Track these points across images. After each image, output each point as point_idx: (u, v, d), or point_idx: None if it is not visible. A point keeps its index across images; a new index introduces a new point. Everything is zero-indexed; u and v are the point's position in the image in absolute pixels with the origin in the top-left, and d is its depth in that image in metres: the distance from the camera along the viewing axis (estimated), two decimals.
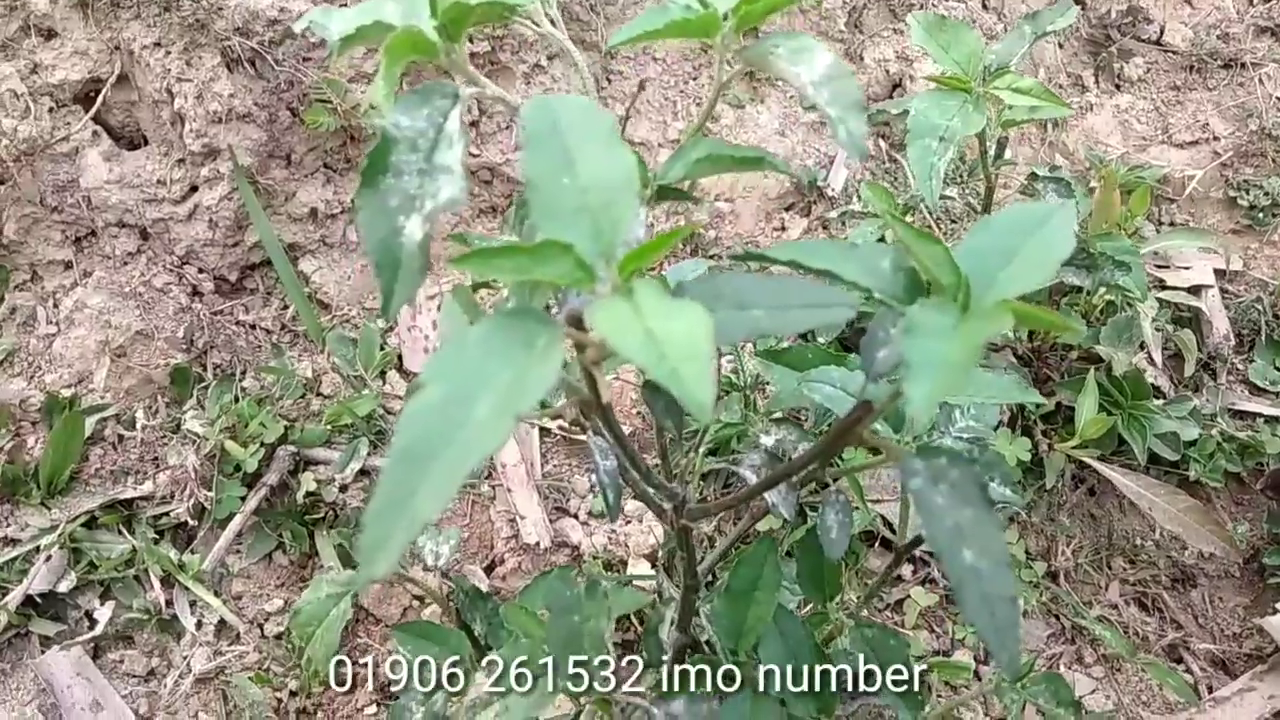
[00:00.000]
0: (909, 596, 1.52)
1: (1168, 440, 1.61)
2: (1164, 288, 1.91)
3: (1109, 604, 1.57)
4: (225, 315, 1.68)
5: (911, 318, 0.60)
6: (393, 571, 0.70)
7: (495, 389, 0.52)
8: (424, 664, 1.10)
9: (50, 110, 1.62)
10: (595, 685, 0.80)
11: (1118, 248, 1.46)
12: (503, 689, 0.88)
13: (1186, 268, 1.96)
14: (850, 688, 1.05)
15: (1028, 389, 1.01)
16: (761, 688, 0.94)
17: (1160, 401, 1.68)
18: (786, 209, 1.88)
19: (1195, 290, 1.91)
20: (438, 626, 1.05)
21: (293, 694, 1.38)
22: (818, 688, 0.94)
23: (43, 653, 1.41)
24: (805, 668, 0.95)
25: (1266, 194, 1.99)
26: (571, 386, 0.70)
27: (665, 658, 0.95)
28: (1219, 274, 1.96)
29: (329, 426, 1.57)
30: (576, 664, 0.80)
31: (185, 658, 1.42)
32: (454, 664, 1.03)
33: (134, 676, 1.41)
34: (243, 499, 1.47)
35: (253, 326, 1.68)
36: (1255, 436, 1.68)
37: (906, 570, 1.57)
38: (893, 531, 1.58)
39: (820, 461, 0.99)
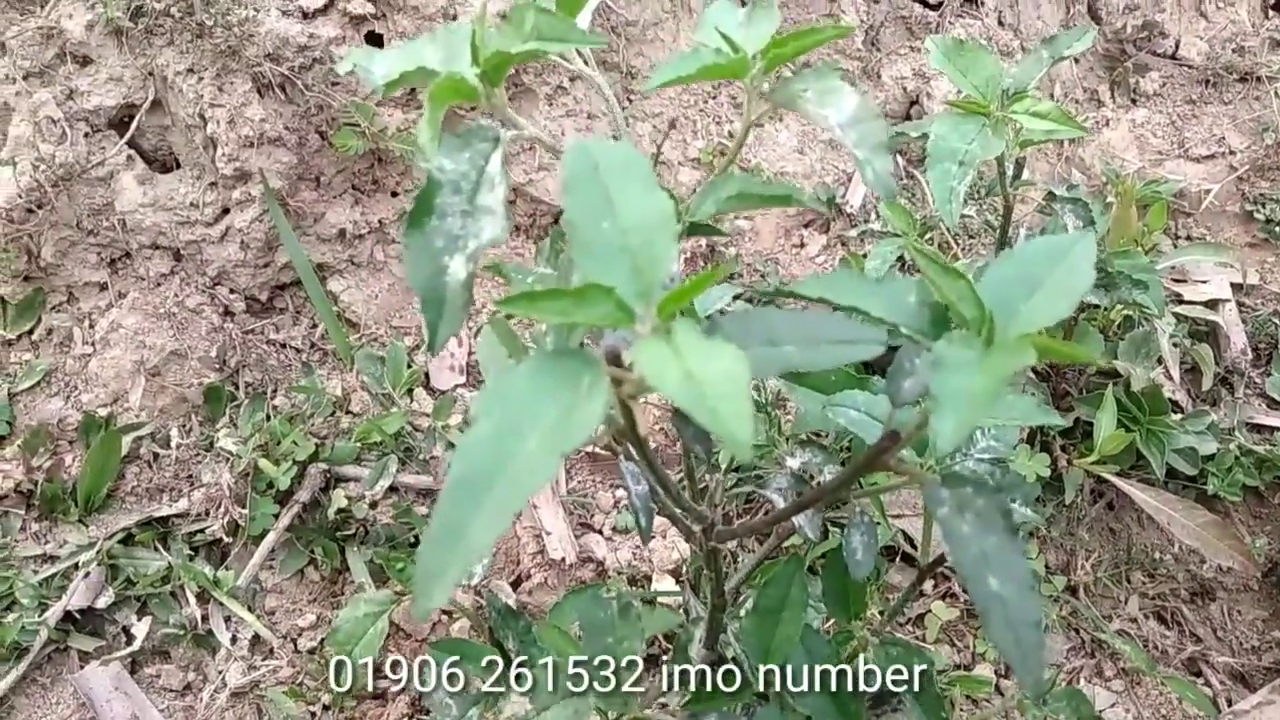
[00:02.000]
0: (930, 611, 1.54)
1: (1186, 455, 1.62)
2: (1181, 302, 1.93)
3: (1128, 618, 1.58)
4: (256, 335, 1.71)
5: (938, 353, 0.63)
6: (446, 601, 0.73)
7: (543, 426, 0.55)
8: (453, 677, 1.13)
9: (86, 135, 1.66)
10: (629, 706, 0.82)
11: (1135, 265, 1.48)
12: (538, 705, 0.91)
13: (1203, 282, 1.97)
14: (874, 704, 1.07)
15: (1048, 411, 1.03)
16: (789, 706, 0.96)
17: (1178, 416, 1.69)
18: (805, 226, 1.91)
19: (1212, 304, 1.92)
20: (471, 644, 1.07)
21: (326, 708, 1.41)
22: (843, 705, 0.96)
23: (81, 668, 1.44)
24: (831, 685, 0.97)
25: None
26: (610, 417, 0.73)
27: (694, 674, 0.97)
28: (1235, 288, 1.97)
29: (359, 444, 1.60)
30: (609, 684, 0.82)
31: (220, 672, 1.45)
32: (487, 679, 1.05)
33: (171, 691, 1.44)
34: (276, 516, 1.51)
35: (283, 345, 1.71)
36: (1273, 450, 1.70)
37: (928, 585, 1.59)
38: (914, 546, 1.60)
39: (844, 483, 1.01)
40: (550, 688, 0.91)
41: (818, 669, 0.97)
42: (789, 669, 0.97)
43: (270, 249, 1.70)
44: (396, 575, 1.00)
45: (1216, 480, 1.66)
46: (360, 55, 0.80)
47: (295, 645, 1.47)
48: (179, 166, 1.72)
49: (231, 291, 1.71)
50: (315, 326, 1.75)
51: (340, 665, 1.08)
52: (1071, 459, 1.60)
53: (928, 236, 1.81)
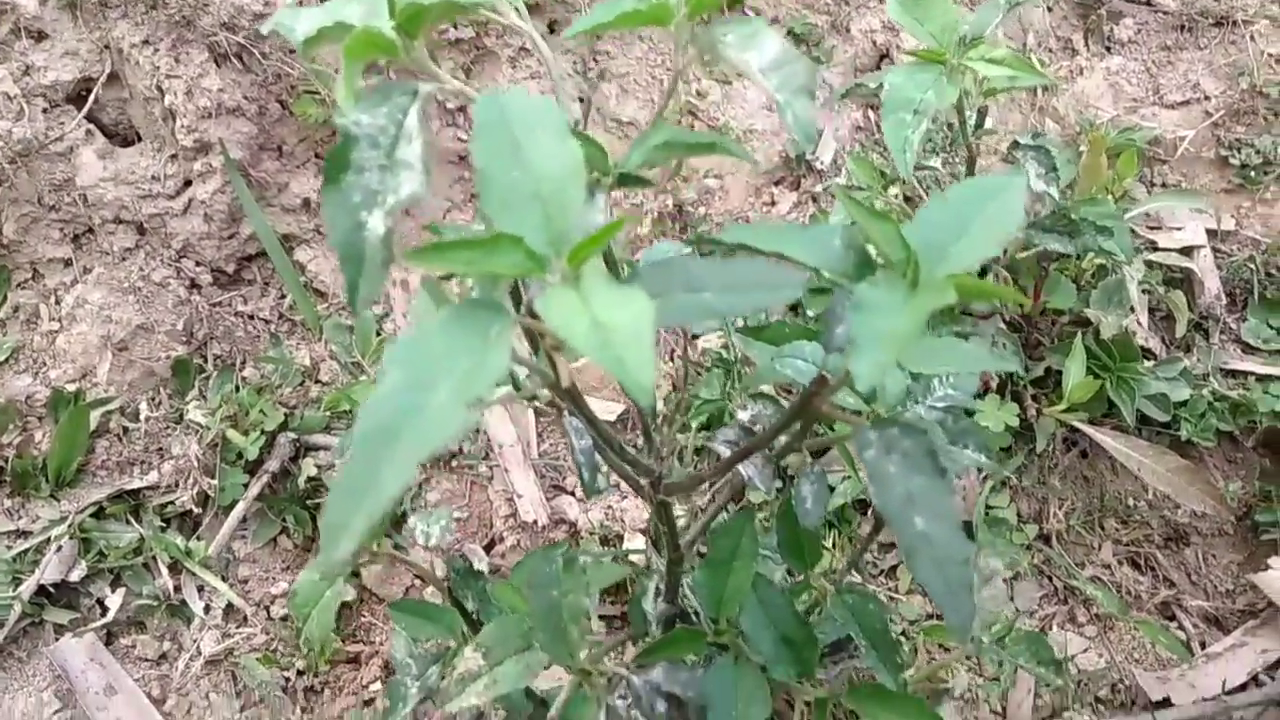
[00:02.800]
0: (902, 563, 1.54)
1: (1157, 401, 1.62)
2: (1156, 249, 1.92)
3: (1102, 564, 1.59)
4: (224, 307, 1.71)
5: (858, 295, 0.62)
6: (351, 553, 0.73)
7: (453, 376, 0.55)
8: (417, 641, 1.13)
9: (44, 111, 1.64)
10: (574, 656, 0.83)
11: (1101, 212, 1.47)
12: (491, 662, 0.91)
13: (1178, 229, 1.96)
14: (832, 652, 1.08)
15: (1003, 357, 1.03)
16: (744, 654, 0.97)
17: (1151, 363, 1.69)
18: (776, 184, 1.90)
19: (1187, 251, 1.91)
20: (431, 604, 1.08)
21: (300, 673, 1.42)
22: (798, 652, 0.96)
23: (57, 640, 1.45)
24: (785, 633, 0.97)
25: (1258, 152, 1.99)
26: (540, 371, 0.72)
27: (650, 628, 0.97)
28: (1211, 234, 1.96)
29: (328, 413, 1.60)
30: (555, 636, 0.82)
31: (195, 641, 1.46)
32: (447, 640, 1.06)
33: (146, 661, 1.45)
34: (245, 486, 1.51)
35: (251, 317, 1.71)
36: (1247, 395, 1.69)
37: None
38: None
39: (797, 433, 1.01)
40: (502, 643, 0.91)
41: (772, 618, 0.97)
42: (743, 619, 0.97)
43: (234, 220, 1.69)
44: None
45: (1190, 426, 1.65)
46: (285, 14, 0.79)
47: (268, 613, 1.47)
48: (139, 140, 1.71)
49: (197, 264, 1.70)
50: (283, 297, 1.74)
51: (308, 642, 1.08)
52: (1041, 408, 1.59)
53: (892, 191, 1.80)
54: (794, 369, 0.98)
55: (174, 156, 1.66)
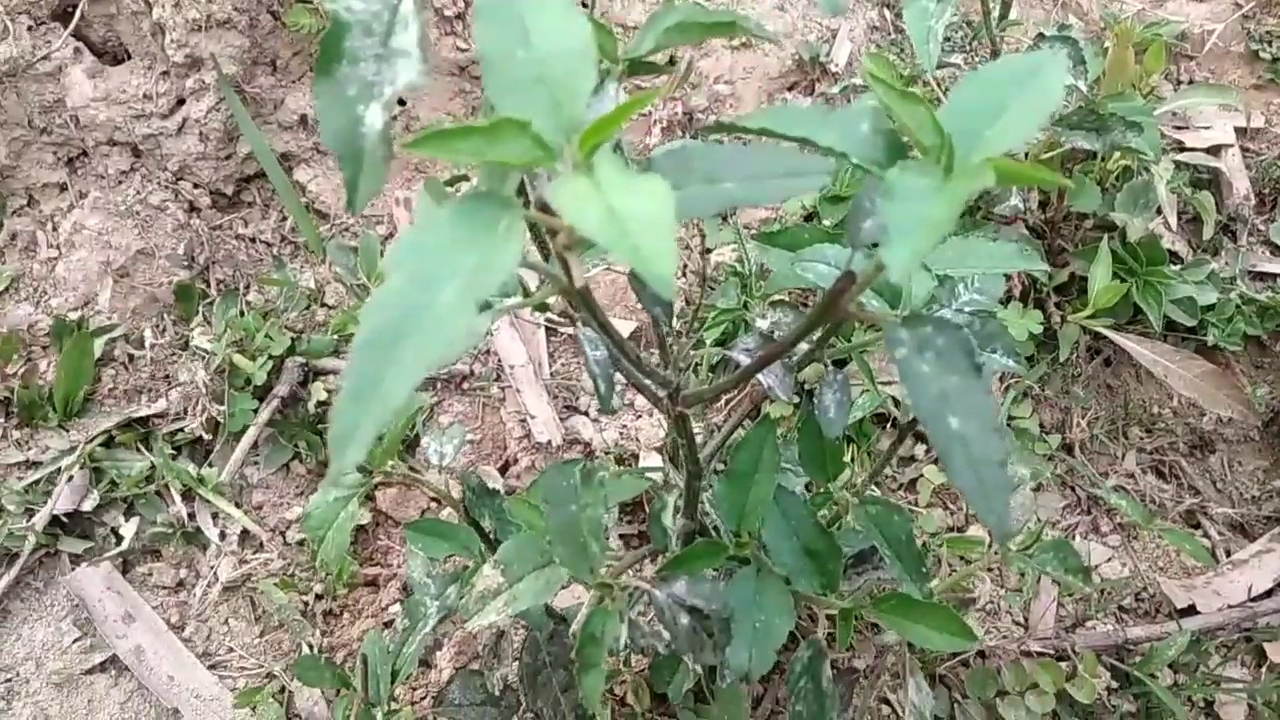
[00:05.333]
0: (923, 475, 1.52)
1: (1184, 306, 1.57)
2: (1183, 149, 1.85)
3: (1125, 473, 1.56)
4: (224, 230, 1.67)
5: (889, 181, 0.58)
6: (359, 461, 0.71)
7: (460, 274, 0.51)
8: (435, 561, 1.12)
9: (29, 29, 1.58)
10: (594, 571, 0.80)
11: (1129, 108, 1.41)
12: (510, 579, 0.89)
13: (1206, 127, 1.89)
14: (856, 563, 1.05)
15: (1030, 256, 0.98)
16: (766, 567, 0.95)
17: (1177, 267, 1.64)
18: (790, 88, 1.83)
19: (1215, 150, 1.85)
20: (448, 524, 1.06)
21: (318, 597, 1.41)
22: (821, 564, 0.94)
23: (73, 570, 1.44)
24: (808, 545, 0.95)
25: None
26: (551, 275, 0.69)
27: (671, 543, 0.95)
28: (1239, 132, 1.89)
29: (335, 336, 1.57)
30: (575, 551, 0.80)
31: (212, 568, 1.45)
32: (464, 558, 1.04)
33: (164, 588, 1.45)
34: (255, 411, 1.49)
35: (253, 240, 1.67)
36: (1275, 298, 1.65)
37: (919, 450, 1.57)
38: (904, 412, 1.57)
39: (818, 341, 0.97)
40: (521, 559, 0.89)
41: (794, 529, 0.95)
42: (765, 532, 0.95)
43: (231, 140, 1.64)
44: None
45: (1217, 330, 1.61)
46: None
47: (284, 538, 1.46)
48: (129, 57, 1.65)
49: (195, 186, 1.66)
50: (285, 219, 1.70)
51: (324, 564, 1.06)
52: (1065, 315, 1.55)
53: (912, 90, 1.73)
54: (815, 273, 0.94)
55: (165, 74, 1.61)
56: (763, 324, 0.97)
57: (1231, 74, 1.95)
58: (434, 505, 1.49)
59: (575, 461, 1.02)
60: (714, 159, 0.63)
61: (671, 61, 1.73)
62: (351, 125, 0.64)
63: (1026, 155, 1.59)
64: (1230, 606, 1.41)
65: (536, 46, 0.58)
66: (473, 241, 0.53)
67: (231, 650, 1.40)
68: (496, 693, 1.09)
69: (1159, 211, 1.73)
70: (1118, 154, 1.66)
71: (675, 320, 1.45)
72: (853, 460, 1.53)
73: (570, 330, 1.62)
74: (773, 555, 0.94)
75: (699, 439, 1.22)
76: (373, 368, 0.49)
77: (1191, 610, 1.41)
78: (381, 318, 0.49)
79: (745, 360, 0.91)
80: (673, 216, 0.50)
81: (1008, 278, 1.53)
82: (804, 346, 0.97)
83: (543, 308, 0.76)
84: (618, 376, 0.90)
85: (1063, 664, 1.35)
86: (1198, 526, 1.53)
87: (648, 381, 0.89)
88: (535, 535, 0.90)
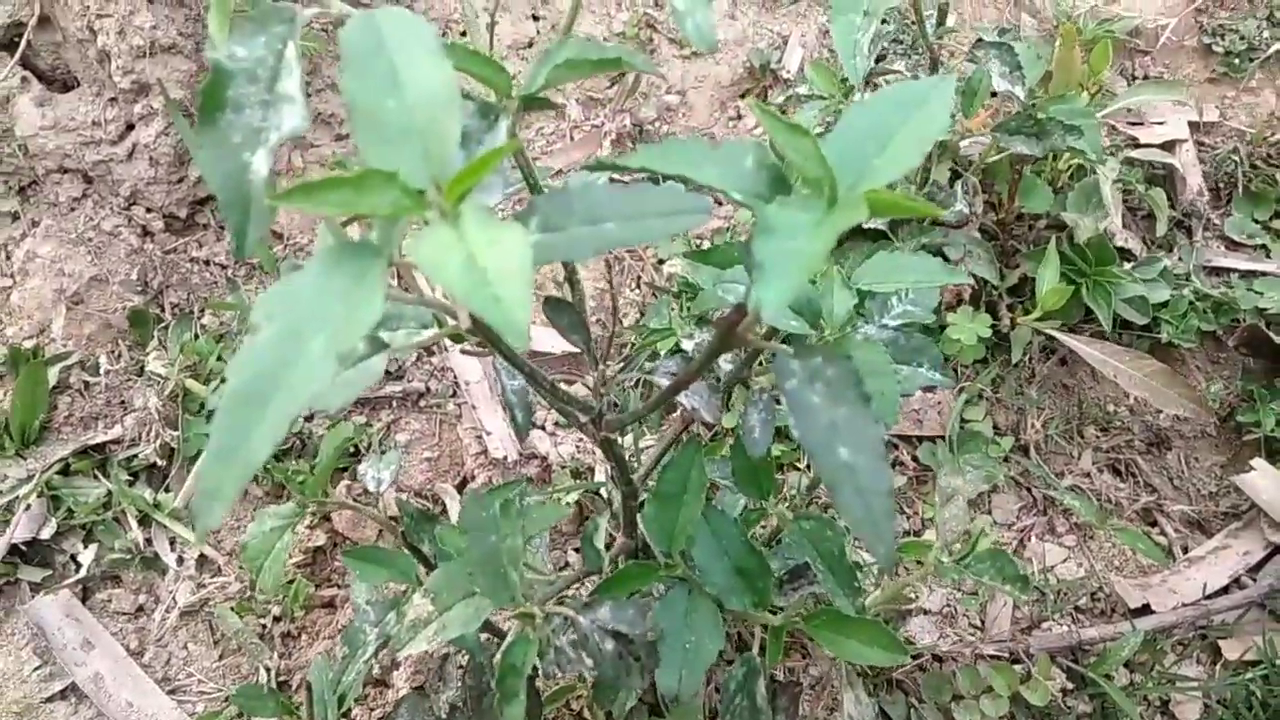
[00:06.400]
0: None
1: (1136, 304, 1.58)
2: (1137, 146, 1.86)
3: (1082, 473, 1.56)
4: (178, 253, 1.67)
5: (764, 217, 0.59)
6: (223, 519, 0.71)
7: (329, 324, 0.52)
8: (375, 588, 1.12)
9: None
10: (515, 599, 0.81)
11: (1070, 110, 1.41)
12: (440, 607, 0.90)
13: (1160, 123, 1.90)
14: (791, 578, 1.06)
15: (953, 270, 0.99)
16: (698, 587, 0.95)
17: (1129, 265, 1.64)
18: (741, 96, 1.83)
19: (1169, 146, 1.85)
20: (386, 550, 1.06)
21: (276, 619, 1.42)
22: (751, 582, 0.95)
23: (33, 598, 1.45)
24: (738, 564, 0.95)
25: (1243, 38, 1.91)
26: (446, 311, 0.69)
27: (604, 564, 0.95)
28: (1194, 127, 1.89)
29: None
30: (496, 580, 0.81)
31: (171, 592, 1.45)
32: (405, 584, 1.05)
33: (123, 614, 1.45)
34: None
35: (207, 263, 1.67)
36: (1229, 293, 1.65)
37: None
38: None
39: (744, 362, 0.97)
40: (449, 588, 0.89)
41: (724, 548, 0.96)
42: (696, 551, 0.96)
43: (182, 163, 1.64)
44: (296, 486, 0.98)
45: (1170, 328, 1.61)
46: None
47: (241, 562, 1.47)
48: (78, 85, 1.65)
49: (148, 211, 1.66)
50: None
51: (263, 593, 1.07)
52: (1015, 317, 1.56)
53: (857, 98, 1.73)
54: (735, 294, 0.95)
55: (113, 100, 1.61)
56: (688, 344, 0.97)
57: (1186, 68, 1.95)
58: (393, 523, 1.50)
59: (501, 489, 1.03)
60: (594, 200, 0.63)
61: (622, 74, 1.74)
62: (238, 172, 0.64)
63: (976, 159, 1.60)
64: (1185, 605, 1.41)
65: (406, 95, 0.59)
66: (340, 292, 0.53)
67: (191, 675, 1.40)
68: (443, 715, 1.09)
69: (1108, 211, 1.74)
70: (1068, 154, 1.66)
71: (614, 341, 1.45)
72: (806, 466, 1.53)
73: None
74: (704, 575, 0.95)
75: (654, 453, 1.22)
76: (240, 424, 0.49)
77: (1146, 610, 1.41)
78: (251, 371, 0.50)
79: (665, 383, 0.92)
80: (530, 267, 0.50)
81: (959, 283, 1.53)
82: (729, 367, 0.98)
83: (458, 338, 0.76)
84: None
85: (1018, 666, 1.36)
86: (1154, 524, 1.54)
87: (567, 407, 0.90)
88: (463, 563, 0.90)
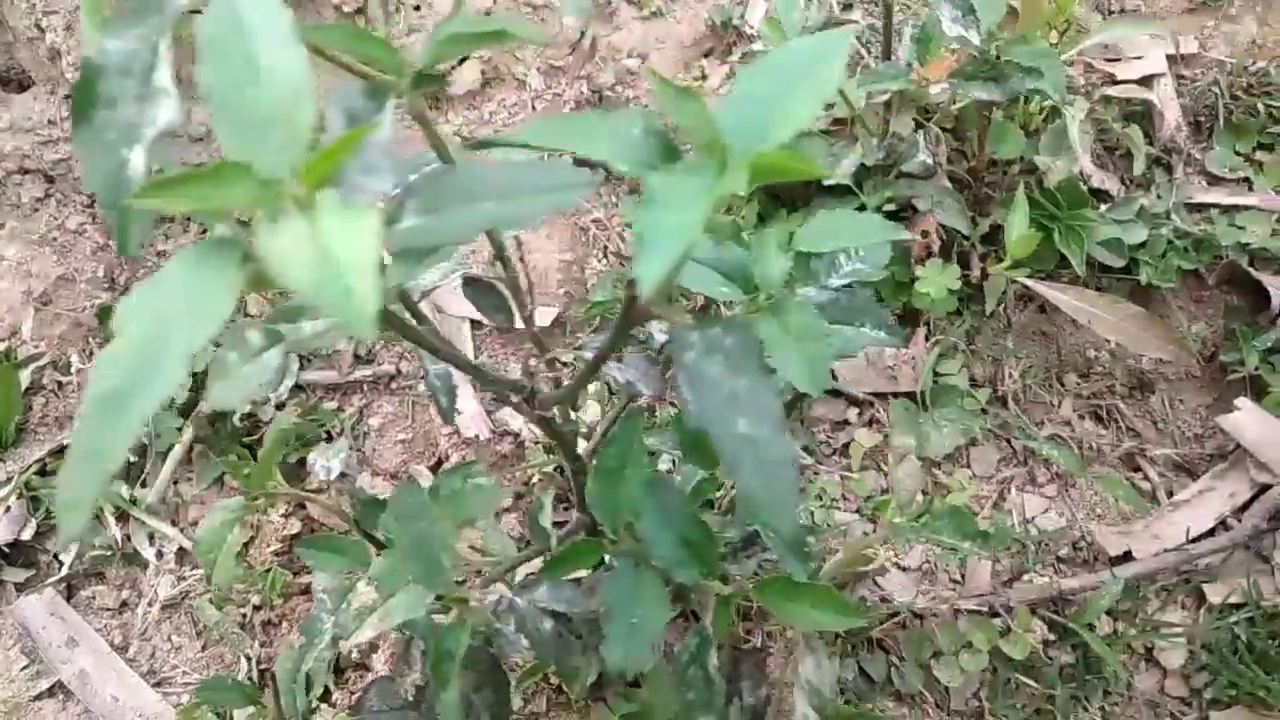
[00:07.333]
0: (854, 440, 1.51)
1: (1112, 246, 1.54)
2: (1115, 83, 1.81)
3: (1062, 421, 1.54)
4: (143, 247, 1.66)
5: (650, 188, 0.57)
6: (86, 525, 0.70)
7: (190, 324, 0.51)
8: (335, 576, 1.12)
9: None
10: (447, 585, 0.80)
11: (1031, 52, 1.37)
12: (384, 594, 0.89)
13: (1138, 58, 1.84)
14: (745, 546, 1.05)
15: (894, 228, 0.96)
16: (645, 560, 0.94)
17: (1105, 207, 1.61)
18: (705, 55, 1.80)
19: (1146, 81, 1.80)
20: (339, 538, 1.06)
21: (256, 608, 1.43)
22: (699, 553, 0.94)
23: (19, 598, 1.46)
24: (685, 535, 0.94)
25: None
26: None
27: (552, 542, 0.95)
28: (1173, 60, 1.84)
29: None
30: (428, 567, 0.80)
31: (153, 586, 1.46)
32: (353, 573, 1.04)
33: (108, 610, 1.46)
34: (179, 429, 1.49)
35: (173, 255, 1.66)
36: (1209, 230, 1.61)
37: (853, 413, 1.55)
38: (833, 377, 1.56)
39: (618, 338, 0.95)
40: (392, 575, 0.89)
41: (670, 520, 0.94)
42: (642, 525, 0.94)
43: None
44: (241, 479, 0.98)
45: (1150, 269, 1.58)
46: None
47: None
48: (32, 84, 1.64)
49: None
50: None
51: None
52: (985, 267, 1.53)
53: None
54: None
55: (68, 98, 1.59)
56: None
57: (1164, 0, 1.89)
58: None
59: (454, 471, 1.02)
60: (471, 178, 0.62)
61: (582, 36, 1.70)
62: (116, 170, 0.63)
63: (939, 106, 1.56)
64: (1168, 550, 1.39)
65: (266, 83, 0.57)
66: (194, 291, 0.52)
67: (175, 667, 1.42)
68: (409, 698, 1.10)
69: (1078, 152, 1.70)
70: (1038, 96, 1.62)
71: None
72: None
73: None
74: (651, 548, 0.94)
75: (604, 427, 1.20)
76: (104, 427, 0.48)
77: (1127, 556, 1.39)
78: (115, 372, 0.49)
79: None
80: (378, 257, 0.49)
81: (925, 234, 1.50)
82: (663, 338, 0.96)
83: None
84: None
85: (998, 620, 1.35)
86: (1138, 469, 1.51)
87: (497, 388, 0.88)
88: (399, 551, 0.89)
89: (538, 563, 1.00)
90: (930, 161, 1.45)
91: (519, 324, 0.94)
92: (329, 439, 1.51)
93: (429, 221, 0.62)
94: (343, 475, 1.47)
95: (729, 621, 0.94)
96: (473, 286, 0.84)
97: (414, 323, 0.83)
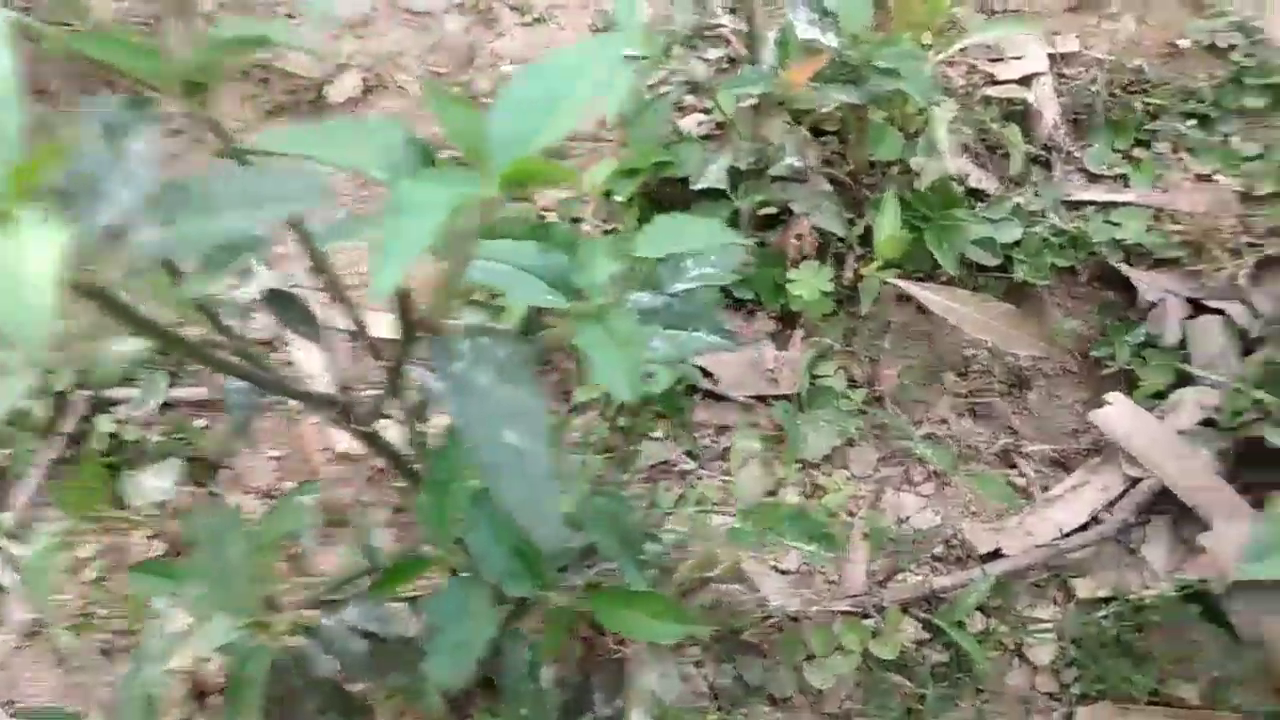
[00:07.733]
0: (733, 445, 1.50)
1: (984, 245, 1.56)
2: (995, 83, 1.83)
3: (939, 420, 1.55)
4: None
5: (399, 195, 0.56)
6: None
7: None
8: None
9: None
10: (246, 610, 0.78)
11: (898, 53, 1.38)
12: (200, 619, 0.87)
13: (1018, 57, 1.87)
14: (585, 555, 1.03)
15: (730, 232, 0.95)
16: (476, 574, 0.92)
17: (980, 206, 1.62)
18: None
19: (1026, 80, 1.82)
20: (172, 564, 1.03)
21: (118, 634, 1.38)
22: (531, 565, 0.92)
23: None
24: (516, 547, 0.92)
25: None
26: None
27: (382, 560, 0.93)
28: (1054, 59, 1.87)
29: (128, 363, 1.52)
30: (227, 592, 0.78)
31: (11, 613, 1.41)
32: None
33: None
34: (32, 451, 1.44)
35: None
36: (1083, 227, 1.63)
37: (734, 417, 1.55)
38: (714, 381, 1.56)
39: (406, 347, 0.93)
40: (207, 600, 0.86)
41: (500, 534, 0.93)
42: (472, 539, 0.93)
43: None
44: (63, 503, 0.95)
45: (1024, 267, 1.60)
46: None
47: (80, 578, 1.43)
48: None
49: None
50: None
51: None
52: (859, 269, 1.53)
53: (716, 53, 1.69)
54: (484, 272, 0.91)
55: None
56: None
57: None
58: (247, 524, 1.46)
59: (294, 492, 0.99)
60: (213, 189, 0.59)
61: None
62: None
63: (819, 110, 1.56)
64: (1038, 546, 1.40)
65: None
66: None
67: (35, 697, 1.37)
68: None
69: (965, 150, 1.71)
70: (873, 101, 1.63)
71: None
72: (666, 436, 1.51)
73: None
74: (480, 562, 0.92)
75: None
76: None
77: (997, 554, 1.40)
78: None
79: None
80: (56, 271, 0.47)
81: (799, 236, 1.50)
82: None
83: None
84: None
85: (870, 621, 1.35)
86: (1014, 466, 1.52)
87: (307, 403, 0.86)
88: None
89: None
90: (799, 164, 1.45)
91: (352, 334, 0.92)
92: (192, 460, 1.47)
93: (167, 232, 0.60)
94: (211, 494, 1.44)
95: (560, 634, 0.92)
96: (275, 300, 0.82)
97: (223, 338, 0.81)
